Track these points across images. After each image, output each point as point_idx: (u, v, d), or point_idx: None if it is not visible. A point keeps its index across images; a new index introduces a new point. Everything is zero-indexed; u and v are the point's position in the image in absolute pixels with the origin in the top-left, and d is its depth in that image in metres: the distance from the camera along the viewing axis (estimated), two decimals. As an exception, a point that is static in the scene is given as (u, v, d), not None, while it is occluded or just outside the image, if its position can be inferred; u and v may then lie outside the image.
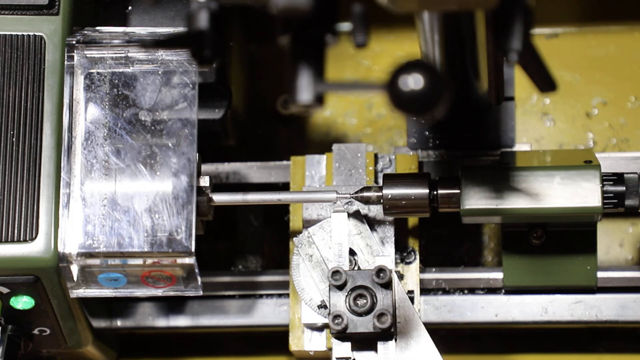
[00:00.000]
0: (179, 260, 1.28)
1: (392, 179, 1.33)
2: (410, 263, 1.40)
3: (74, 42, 1.31)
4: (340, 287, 1.28)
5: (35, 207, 1.27)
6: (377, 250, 1.34)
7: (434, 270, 1.44)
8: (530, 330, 1.50)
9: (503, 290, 1.43)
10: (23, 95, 1.30)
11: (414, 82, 0.97)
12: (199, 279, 1.30)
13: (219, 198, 1.33)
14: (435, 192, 1.32)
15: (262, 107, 1.64)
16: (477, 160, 1.44)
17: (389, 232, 1.37)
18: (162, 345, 1.55)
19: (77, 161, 1.29)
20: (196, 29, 1.06)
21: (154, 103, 1.30)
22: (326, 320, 1.33)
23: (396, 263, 1.38)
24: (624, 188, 1.31)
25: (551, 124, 1.63)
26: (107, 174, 1.28)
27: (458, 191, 1.31)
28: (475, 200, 1.30)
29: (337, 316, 1.27)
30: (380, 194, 1.32)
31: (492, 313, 1.42)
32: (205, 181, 1.32)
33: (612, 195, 1.31)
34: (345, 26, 1.05)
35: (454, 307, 1.43)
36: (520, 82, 1.42)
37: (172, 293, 1.32)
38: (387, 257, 1.31)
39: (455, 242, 1.57)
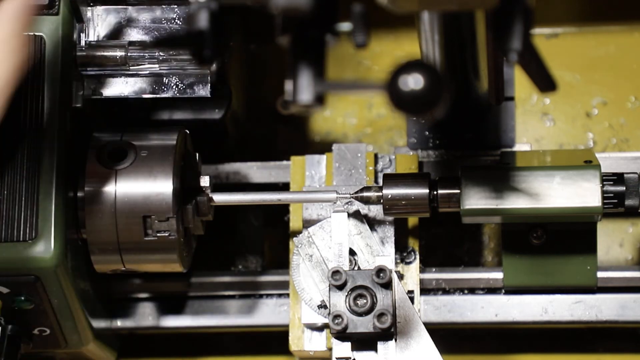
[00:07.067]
0: None
1: (392, 179, 1.33)
2: (410, 263, 1.40)
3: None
4: (340, 287, 1.28)
5: (35, 207, 1.27)
6: (377, 250, 1.34)
7: (434, 270, 1.44)
8: (530, 330, 1.50)
9: (503, 290, 1.43)
10: (23, 95, 1.30)
11: (414, 82, 0.97)
12: None
13: (219, 198, 1.33)
14: (435, 192, 1.32)
15: (262, 107, 1.64)
16: (477, 160, 1.44)
17: (389, 232, 1.37)
18: (162, 345, 1.55)
19: (77, 161, 1.29)
20: (196, 29, 1.06)
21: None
22: (326, 320, 1.33)
23: (396, 263, 1.38)
24: (624, 188, 1.31)
25: (551, 124, 1.63)
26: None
27: (458, 191, 1.31)
28: (475, 200, 1.30)
29: (337, 316, 1.27)
30: (380, 194, 1.32)
31: (492, 313, 1.42)
32: (205, 181, 1.32)
33: (612, 195, 1.31)
34: (345, 26, 1.05)
35: (454, 307, 1.43)
36: (520, 82, 1.42)
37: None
38: (387, 257, 1.30)
39: (455, 242, 1.57)
